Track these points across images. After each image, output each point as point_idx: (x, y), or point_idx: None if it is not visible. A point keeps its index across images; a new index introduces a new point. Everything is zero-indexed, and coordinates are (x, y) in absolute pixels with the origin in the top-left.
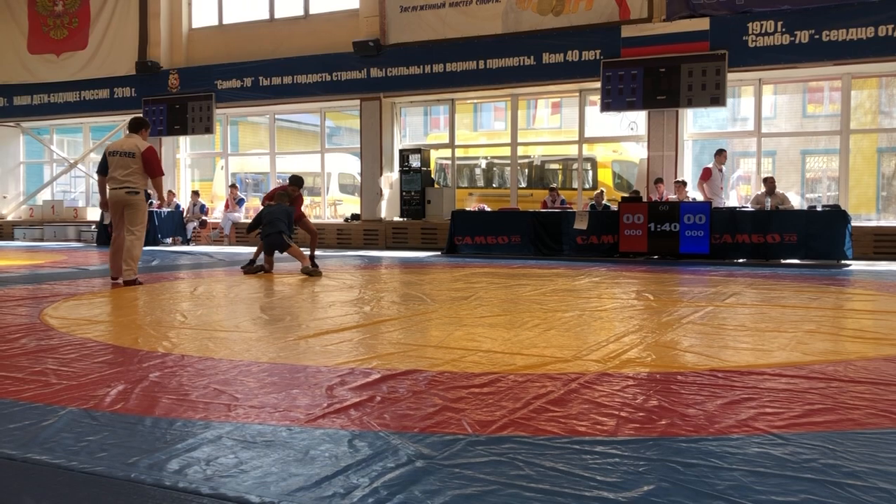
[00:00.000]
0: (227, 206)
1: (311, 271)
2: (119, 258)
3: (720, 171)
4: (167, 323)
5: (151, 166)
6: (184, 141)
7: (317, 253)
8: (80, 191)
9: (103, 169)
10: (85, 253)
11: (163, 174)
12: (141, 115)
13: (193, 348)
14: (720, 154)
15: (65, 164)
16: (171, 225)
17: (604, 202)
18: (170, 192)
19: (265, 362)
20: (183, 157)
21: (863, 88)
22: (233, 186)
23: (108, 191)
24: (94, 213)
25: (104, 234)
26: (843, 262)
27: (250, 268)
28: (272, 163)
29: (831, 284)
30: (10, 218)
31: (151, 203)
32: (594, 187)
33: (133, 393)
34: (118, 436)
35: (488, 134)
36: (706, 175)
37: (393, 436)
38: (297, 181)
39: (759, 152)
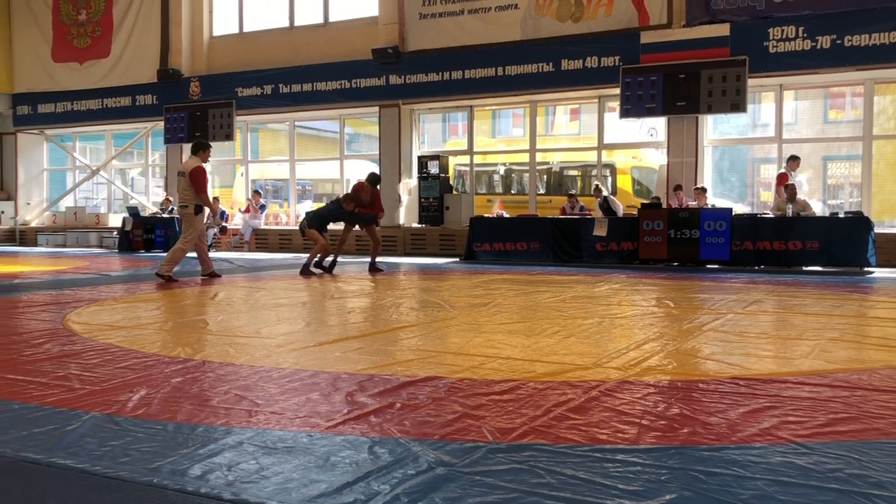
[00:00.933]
0: (247, 210)
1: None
2: (200, 258)
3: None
4: (188, 328)
5: (194, 183)
6: None
7: (339, 259)
8: (101, 197)
9: None
10: (107, 259)
11: (203, 191)
12: (198, 141)
13: (214, 354)
14: (793, 160)
15: (87, 171)
16: None
17: (604, 194)
18: None
19: (286, 368)
20: None
21: (885, 94)
22: (256, 192)
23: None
24: (115, 220)
25: (126, 241)
26: (866, 269)
27: (324, 268)
28: (292, 169)
29: (854, 292)
30: (33, 224)
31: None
32: (613, 193)
33: (155, 398)
34: (140, 441)
35: (507, 140)
36: (782, 180)
37: (413, 443)
38: (373, 179)
39: (780, 158)
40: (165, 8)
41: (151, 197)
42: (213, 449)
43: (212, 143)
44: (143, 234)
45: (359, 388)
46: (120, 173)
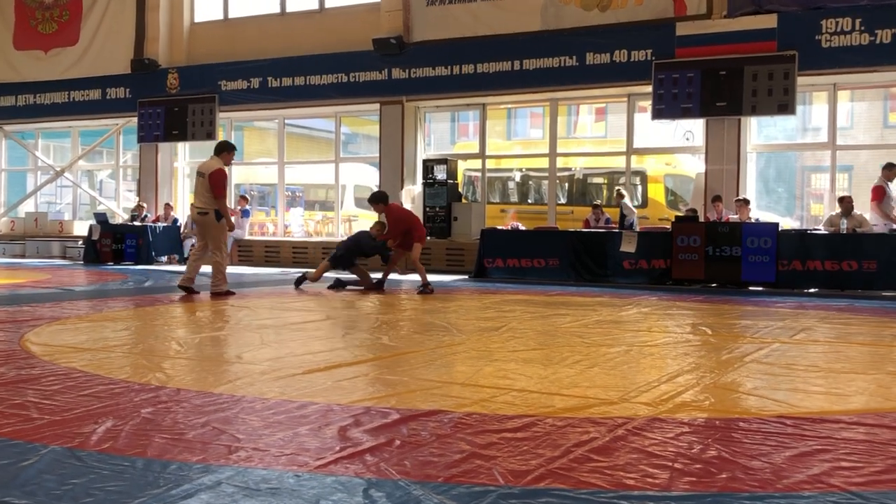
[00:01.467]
0: (232, 213)
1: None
2: (192, 267)
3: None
4: (161, 352)
5: (212, 186)
6: (182, 147)
7: (330, 275)
8: (66, 202)
9: None
10: (71, 272)
11: (222, 196)
12: (222, 141)
13: (190, 381)
14: (890, 168)
15: (50, 173)
16: (167, 242)
17: (624, 200)
18: (167, 205)
19: (271, 398)
20: (181, 166)
21: None
22: (242, 198)
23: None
24: (81, 228)
25: (92, 251)
26: None
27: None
28: (281, 173)
29: None
30: None
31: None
32: (644, 204)
33: (123, 431)
34: (105, 479)
35: (524, 143)
36: (879, 194)
37: (414, 485)
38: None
39: (834, 167)
40: None
41: (122, 202)
42: (187, 489)
43: (191, 141)
44: (111, 244)
45: (353, 422)
46: (87, 175)
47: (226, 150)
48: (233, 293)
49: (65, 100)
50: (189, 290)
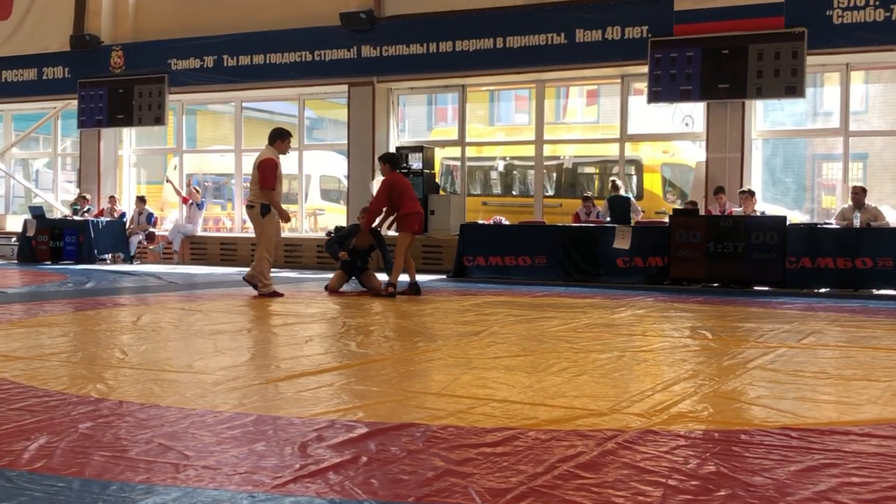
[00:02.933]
0: (185, 201)
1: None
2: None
3: None
4: (103, 360)
5: (260, 175)
6: (128, 133)
7: (292, 275)
8: None
9: None
10: (2, 272)
11: (270, 186)
12: (277, 128)
13: (135, 393)
14: None
15: None
16: (111, 239)
17: (622, 193)
18: (111, 197)
19: (224, 411)
20: (127, 154)
21: None
22: (195, 190)
23: None
24: (15, 223)
25: (27, 249)
26: None
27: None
28: (238, 162)
29: None
30: None
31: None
32: (639, 196)
33: (58, 448)
34: (38, 501)
35: (507, 129)
36: None
37: None
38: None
39: (847, 155)
40: None
41: (61, 195)
42: None
43: (137, 127)
44: (49, 241)
45: (315, 437)
46: (21, 164)
47: (279, 138)
48: (280, 294)
49: None
50: (274, 293)
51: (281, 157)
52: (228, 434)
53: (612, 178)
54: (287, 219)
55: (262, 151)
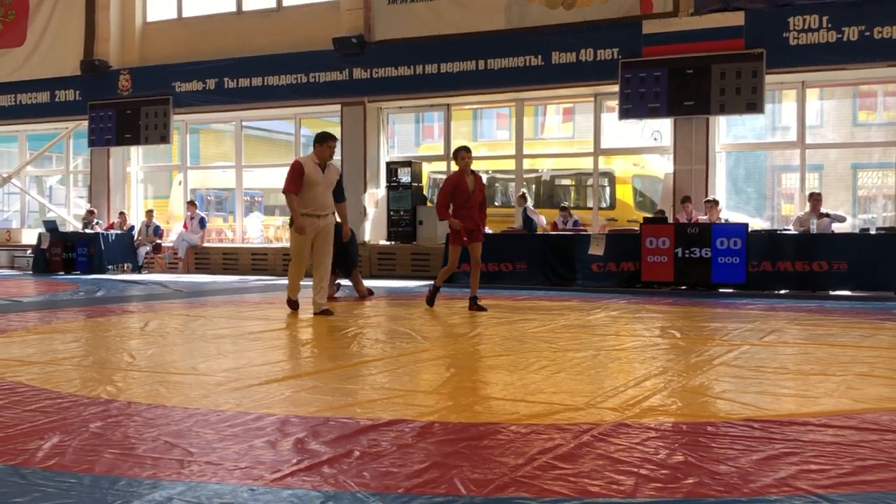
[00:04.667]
0: (185, 227)
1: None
2: (317, 283)
3: None
4: (112, 364)
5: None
6: (136, 152)
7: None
8: (14, 209)
9: None
10: (18, 282)
11: (286, 190)
12: (321, 132)
13: (142, 394)
14: None
15: None
16: (120, 250)
17: (528, 204)
18: (121, 213)
19: (226, 410)
20: (134, 171)
21: None
22: (191, 203)
23: None
24: (30, 236)
25: (42, 260)
26: None
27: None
28: (238, 177)
29: (887, 320)
30: None
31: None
32: (612, 206)
33: (70, 446)
34: (51, 497)
35: (489, 144)
36: None
37: (373, 497)
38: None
39: (804, 166)
40: None
41: (73, 209)
42: None
43: (144, 145)
44: (62, 252)
45: (311, 433)
46: (36, 181)
47: (317, 142)
48: (295, 306)
49: (11, 103)
50: (291, 302)
51: (315, 166)
52: (230, 432)
53: (522, 190)
54: (301, 230)
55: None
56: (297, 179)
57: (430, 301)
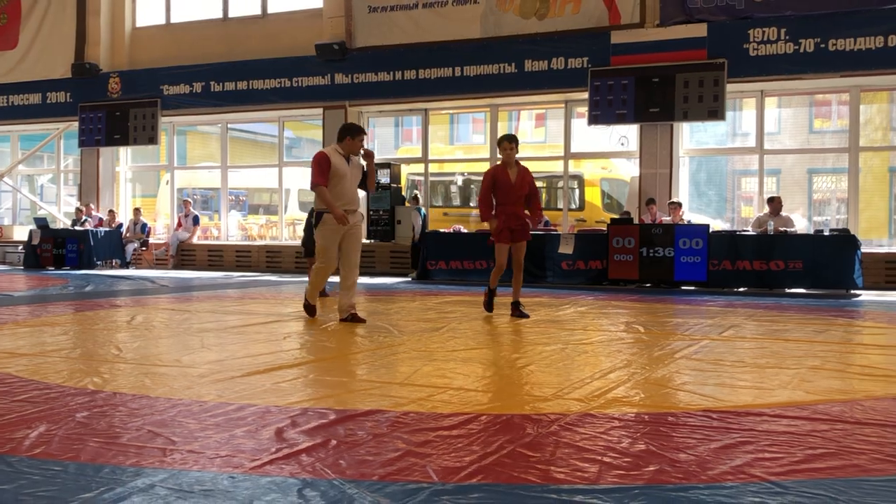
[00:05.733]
0: (179, 226)
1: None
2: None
3: None
4: (100, 356)
5: (311, 173)
6: (124, 152)
7: (273, 278)
8: (6, 207)
9: None
10: (10, 277)
11: (316, 183)
12: (346, 123)
13: (127, 385)
14: None
15: None
16: (109, 246)
17: (419, 206)
18: (110, 211)
19: (208, 401)
20: (123, 171)
21: (872, 102)
22: (185, 202)
23: None
24: (21, 233)
25: (33, 256)
26: (852, 291)
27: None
28: (224, 177)
29: (839, 316)
30: None
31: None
32: (581, 207)
33: (56, 435)
34: (36, 484)
35: (465, 148)
36: None
37: (349, 484)
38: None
39: (762, 171)
40: None
41: (63, 207)
42: (119, 493)
43: (133, 146)
44: (52, 248)
45: (290, 423)
46: (27, 180)
47: (348, 135)
48: (312, 312)
49: (4, 104)
50: (309, 307)
51: (341, 157)
52: (212, 421)
53: (415, 193)
54: (343, 220)
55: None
56: (324, 171)
57: (489, 306)
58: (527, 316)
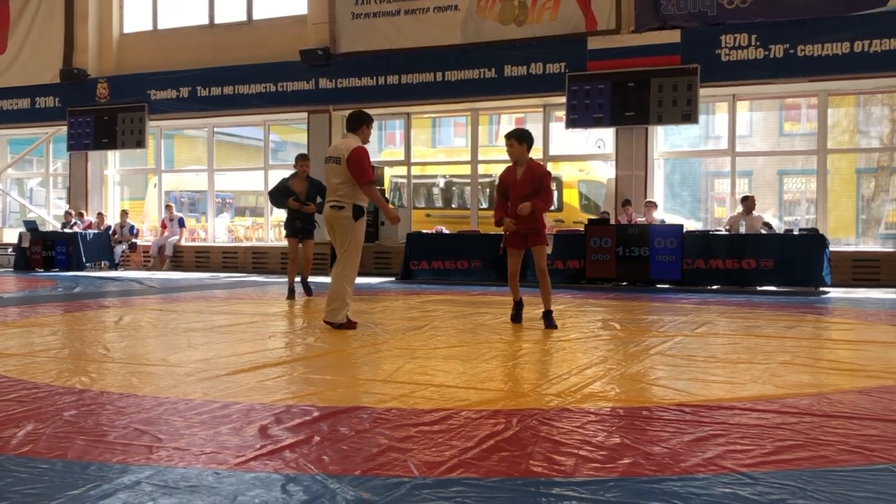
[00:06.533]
0: (164, 228)
1: None
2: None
3: None
4: (87, 356)
5: (354, 169)
6: (112, 156)
7: (259, 279)
8: None
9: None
10: (0, 279)
11: (370, 181)
12: (357, 111)
13: (115, 384)
14: None
15: None
16: (98, 248)
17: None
18: (99, 214)
19: (194, 399)
20: (111, 174)
21: (840, 106)
22: (168, 206)
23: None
24: (11, 235)
25: (22, 258)
26: (821, 289)
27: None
28: (210, 180)
29: (808, 313)
30: None
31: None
32: (560, 209)
33: (44, 434)
34: (24, 482)
35: (447, 150)
36: None
37: (331, 479)
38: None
39: (734, 172)
40: (70, 1)
41: (52, 210)
42: (105, 490)
43: (121, 150)
44: (42, 251)
45: (274, 420)
46: (17, 183)
47: (364, 124)
48: (354, 325)
49: None
50: (349, 322)
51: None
52: (197, 419)
53: (319, 199)
54: (396, 219)
55: (344, 141)
56: (371, 167)
57: (514, 318)
58: (554, 327)
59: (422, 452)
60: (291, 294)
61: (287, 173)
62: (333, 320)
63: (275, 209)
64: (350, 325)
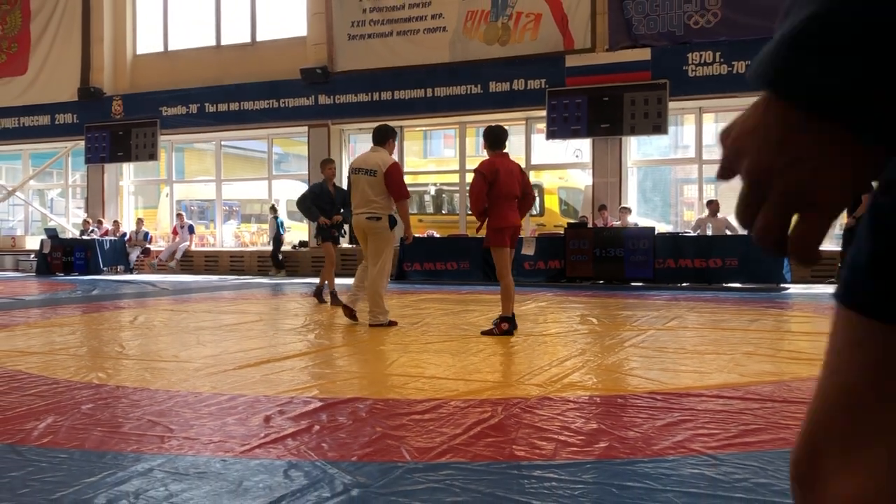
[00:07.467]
0: (175, 234)
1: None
2: (359, 286)
3: None
4: (104, 353)
5: (394, 186)
6: (127, 168)
7: (264, 281)
8: (18, 219)
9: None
10: (23, 283)
11: (407, 195)
12: (384, 125)
13: (129, 379)
14: None
15: (3, 192)
16: (114, 254)
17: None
18: (115, 222)
19: (203, 392)
20: (126, 185)
21: None
22: (179, 214)
23: (352, 216)
24: (33, 242)
25: (44, 264)
26: (782, 285)
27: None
28: (218, 190)
29: (770, 307)
30: None
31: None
32: (541, 213)
33: (63, 426)
34: (44, 471)
35: (437, 161)
36: None
37: (330, 465)
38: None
39: (701, 179)
40: (86, 24)
41: (71, 219)
42: (120, 477)
43: (135, 162)
44: (62, 256)
45: (278, 411)
46: (38, 194)
47: (391, 137)
48: (395, 323)
49: (15, 125)
50: (391, 322)
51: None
52: (206, 411)
53: (272, 203)
54: (410, 237)
55: (377, 155)
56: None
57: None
58: (500, 333)
59: (414, 439)
60: (335, 298)
61: (289, 183)
62: (381, 322)
63: (279, 215)
64: (392, 323)
